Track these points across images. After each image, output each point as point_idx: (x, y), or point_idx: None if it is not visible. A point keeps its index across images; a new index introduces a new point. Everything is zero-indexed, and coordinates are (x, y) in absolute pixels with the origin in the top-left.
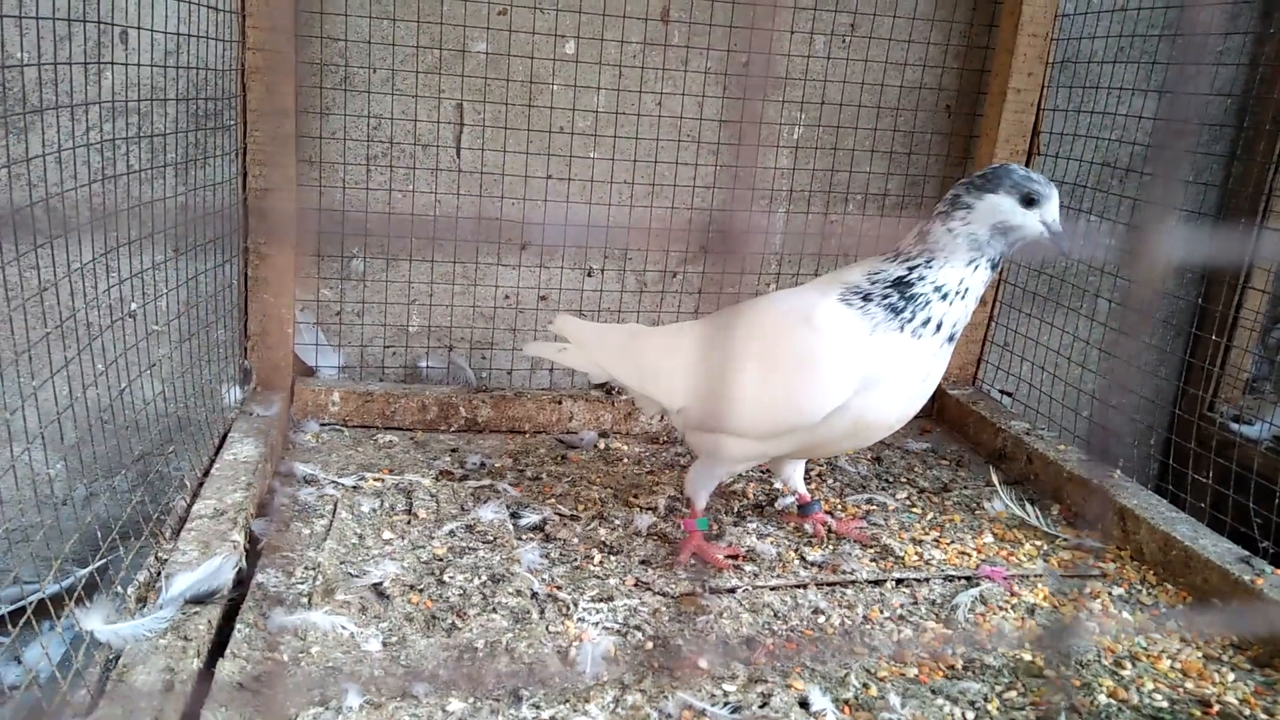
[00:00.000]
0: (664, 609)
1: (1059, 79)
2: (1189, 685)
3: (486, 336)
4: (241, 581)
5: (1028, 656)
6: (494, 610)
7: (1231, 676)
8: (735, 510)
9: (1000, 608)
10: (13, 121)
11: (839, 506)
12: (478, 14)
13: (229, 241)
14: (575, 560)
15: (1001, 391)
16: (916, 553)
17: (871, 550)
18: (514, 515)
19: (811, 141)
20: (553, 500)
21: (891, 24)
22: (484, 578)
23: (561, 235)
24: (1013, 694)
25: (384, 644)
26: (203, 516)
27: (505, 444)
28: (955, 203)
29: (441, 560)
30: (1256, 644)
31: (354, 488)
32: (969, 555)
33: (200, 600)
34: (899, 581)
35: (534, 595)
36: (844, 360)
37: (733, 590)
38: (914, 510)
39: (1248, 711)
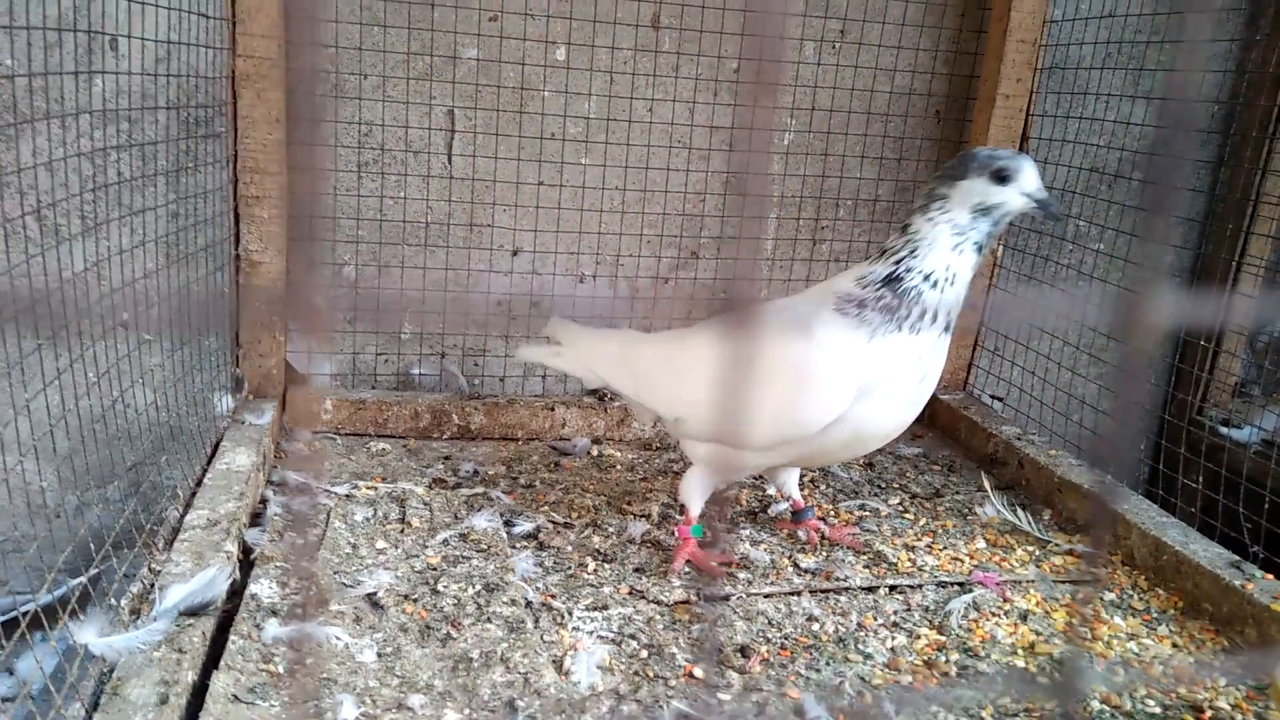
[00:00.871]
0: (658, 617)
1: (1047, 85)
2: (1181, 691)
3: (479, 343)
4: (235, 592)
5: (1021, 663)
6: (488, 620)
7: (1223, 682)
8: (729, 517)
9: (993, 614)
10: (2, 130)
11: (832, 513)
12: (468, 20)
13: (220, 249)
14: (569, 569)
15: (992, 396)
16: (909, 559)
17: (865, 557)
18: (507, 523)
19: (802, 147)
20: (546, 508)
21: (881, 30)
22: (478, 587)
23: (554, 241)
24: (1006, 700)
25: (379, 654)
26: (196, 527)
27: (498, 451)
28: (931, 195)
29: (435, 569)
30: (1247, 648)
31: (347, 496)
32: (962, 561)
33: (194, 612)
34: (892, 588)
35: (528, 604)
36: (842, 372)
37: (727, 598)
38: (906, 516)
39: (1240, 717)
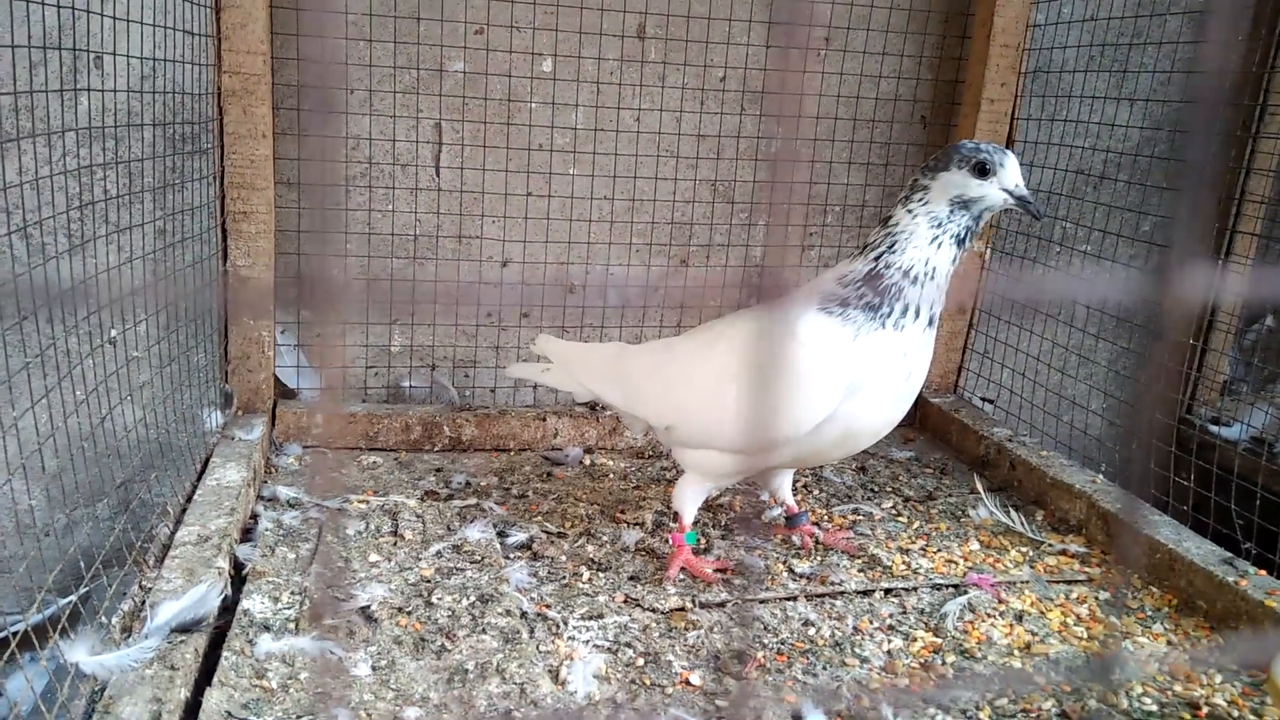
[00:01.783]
0: (654, 625)
1: (1031, 88)
2: (1177, 688)
3: (469, 355)
4: (227, 608)
5: (1018, 664)
6: (483, 631)
7: (1219, 678)
8: (722, 523)
9: (989, 615)
10: None
11: (825, 517)
12: (455, 33)
13: (208, 265)
14: (564, 578)
15: (983, 399)
16: (904, 562)
17: (859, 561)
18: (501, 534)
19: (789, 154)
20: (539, 518)
21: (866, 37)
22: (472, 598)
23: (543, 251)
24: (1003, 701)
25: (373, 668)
26: (186, 543)
27: (490, 462)
28: (914, 186)
29: (429, 581)
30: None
31: (339, 510)
32: (956, 563)
33: (186, 629)
34: (887, 591)
35: (523, 615)
36: (829, 371)
37: (723, 604)
38: (900, 519)
39: (1236, 713)
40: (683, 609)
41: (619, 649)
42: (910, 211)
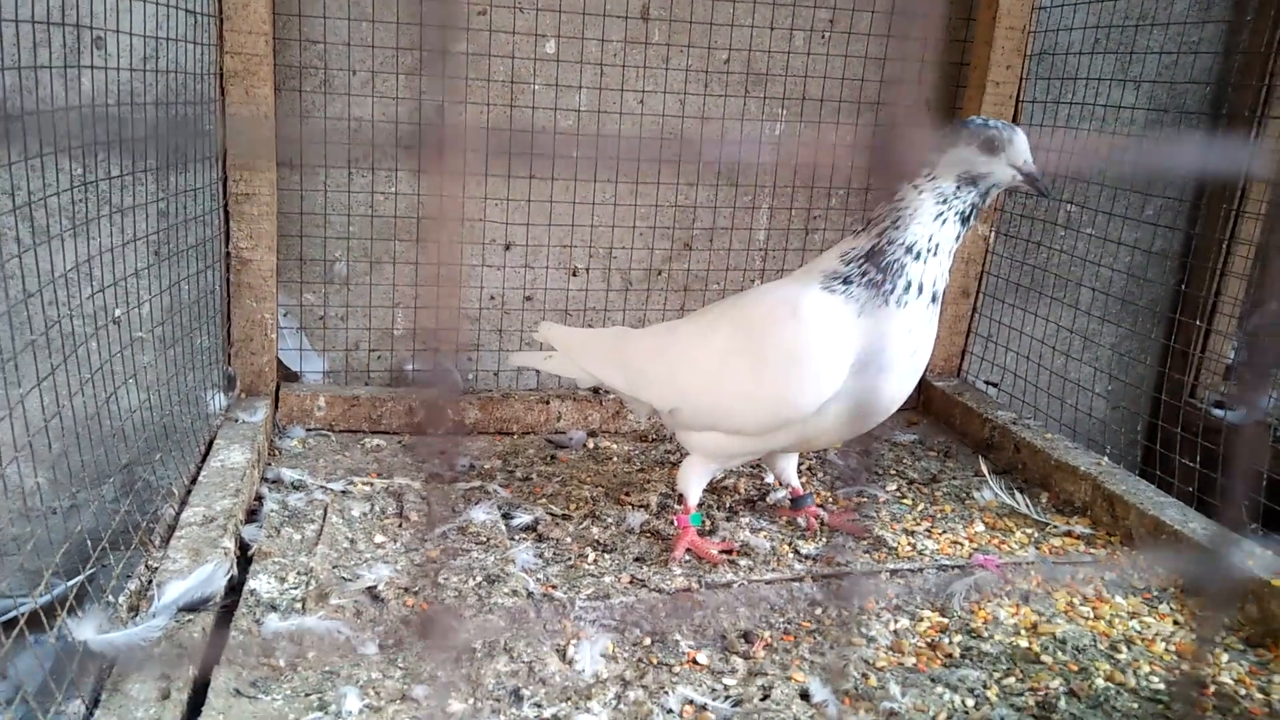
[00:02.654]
0: (660, 605)
1: (1037, 71)
2: (1185, 667)
3: (472, 338)
4: (234, 588)
5: (1024, 643)
6: (490, 611)
7: (1225, 657)
8: (728, 505)
9: (995, 595)
10: None
11: (830, 499)
12: (458, 15)
13: (210, 247)
14: (569, 559)
15: (987, 382)
16: (909, 543)
17: (865, 542)
18: (506, 516)
19: (793, 137)
20: (544, 500)
21: (870, 19)
22: (479, 579)
23: (546, 235)
24: (1011, 680)
25: (381, 647)
26: (192, 524)
27: (494, 445)
28: (921, 163)
29: (435, 562)
30: (1248, 624)
31: (343, 492)
32: (961, 545)
33: (193, 608)
34: (893, 572)
35: (530, 595)
36: (833, 349)
37: (729, 585)
38: (905, 502)
39: (1243, 691)
40: (689, 589)
41: (626, 628)
42: (916, 188)
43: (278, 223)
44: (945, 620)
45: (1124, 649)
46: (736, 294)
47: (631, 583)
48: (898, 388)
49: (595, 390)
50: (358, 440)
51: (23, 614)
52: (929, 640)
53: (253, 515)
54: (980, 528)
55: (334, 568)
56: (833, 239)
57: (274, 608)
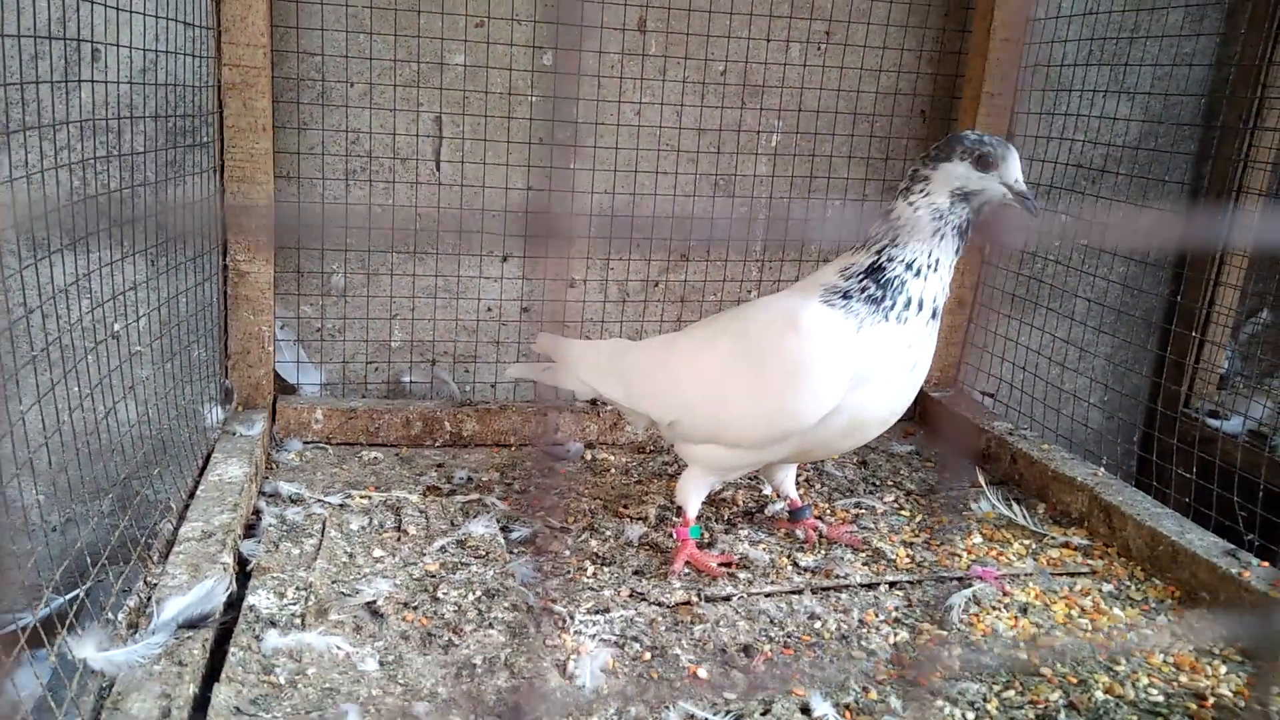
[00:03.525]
0: (660, 619)
1: (1031, 82)
2: (1183, 679)
3: (469, 350)
4: (232, 604)
5: (1023, 655)
6: (490, 625)
7: (1224, 669)
8: (726, 518)
9: (993, 607)
10: None
11: (828, 511)
12: (455, 26)
13: (208, 260)
14: (568, 573)
15: (983, 393)
16: (908, 555)
17: (863, 554)
18: (504, 529)
19: (789, 149)
20: (542, 513)
21: (866, 31)
22: (478, 593)
23: (543, 246)
24: (1011, 693)
25: (381, 663)
26: (190, 539)
27: (491, 457)
28: (914, 177)
29: (434, 576)
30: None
31: (341, 506)
32: (959, 556)
33: (193, 624)
34: (892, 584)
35: (529, 609)
36: (833, 363)
37: (728, 598)
38: (902, 513)
39: (1242, 703)
40: (689, 603)
41: (626, 643)
42: (911, 204)
43: (274, 235)
44: (944, 633)
45: (1122, 661)
46: (736, 306)
47: (631, 596)
48: (896, 401)
49: (593, 402)
50: (355, 453)
51: (23, 630)
52: (928, 653)
53: (251, 530)
54: (978, 539)
55: (333, 582)
56: (828, 250)
57: (273, 624)
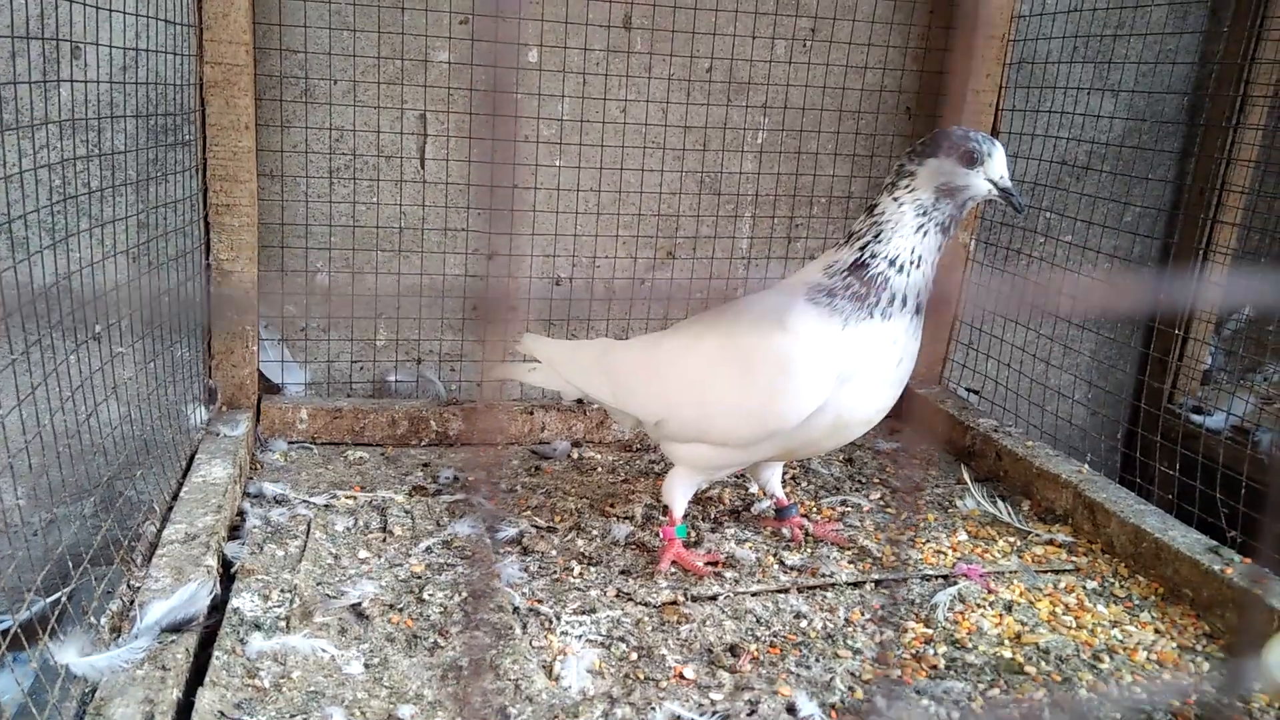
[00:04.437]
0: (647, 619)
1: (1016, 80)
2: (1166, 676)
3: (455, 349)
4: (217, 607)
5: (1008, 654)
6: (476, 627)
7: (1206, 666)
8: (712, 516)
9: (978, 605)
10: None
11: (814, 509)
12: (439, 24)
13: (191, 259)
14: (555, 573)
15: (968, 390)
16: (893, 553)
17: (849, 552)
18: (490, 529)
19: (775, 146)
20: (529, 512)
21: (851, 28)
22: (464, 594)
23: (529, 244)
24: (995, 691)
25: (366, 665)
26: (174, 542)
27: (477, 457)
28: (900, 172)
29: (420, 578)
30: (1229, 632)
31: (326, 507)
32: (945, 554)
33: (176, 628)
34: (878, 583)
35: (515, 610)
36: (819, 361)
37: (714, 597)
38: (888, 511)
39: (1224, 700)
40: (675, 602)
41: (612, 643)
42: (896, 200)
43: (258, 234)
44: (930, 631)
45: (1106, 658)
46: (721, 305)
47: (618, 596)
48: (882, 398)
49: (579, 401)
50: (340, 453)
51: (4, 633)
52: (914, 652)
53: (235, 531)
54: (963, 536)
55: (318, 584)
56: (814, 247)
57: (258, 627)
